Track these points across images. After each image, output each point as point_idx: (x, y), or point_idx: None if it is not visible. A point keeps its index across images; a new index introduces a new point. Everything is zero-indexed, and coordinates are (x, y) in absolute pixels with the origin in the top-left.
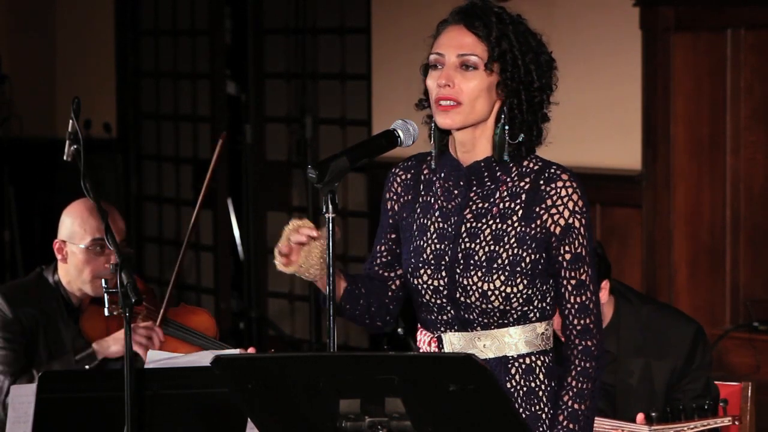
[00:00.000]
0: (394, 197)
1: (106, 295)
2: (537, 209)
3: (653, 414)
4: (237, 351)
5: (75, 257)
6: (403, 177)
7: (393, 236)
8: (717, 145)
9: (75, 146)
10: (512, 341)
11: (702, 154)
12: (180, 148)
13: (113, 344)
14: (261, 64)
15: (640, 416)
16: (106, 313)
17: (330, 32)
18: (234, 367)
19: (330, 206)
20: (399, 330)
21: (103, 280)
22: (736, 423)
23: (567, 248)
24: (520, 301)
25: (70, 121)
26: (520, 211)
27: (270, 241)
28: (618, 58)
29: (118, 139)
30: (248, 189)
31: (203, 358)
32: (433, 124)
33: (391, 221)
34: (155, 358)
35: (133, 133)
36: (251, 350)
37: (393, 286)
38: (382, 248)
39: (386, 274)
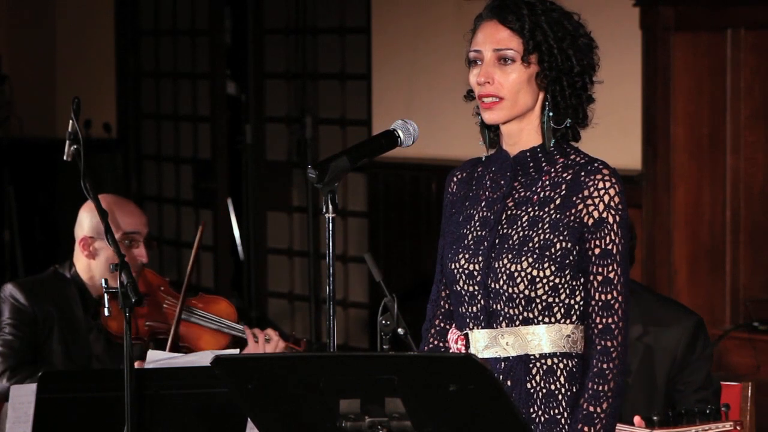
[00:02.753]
0: (450, 197)
1: (106, 295)
2: (574, 198)
3: (654, 418)
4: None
5: (105, 252)
6: (460, 176)
7: None
8: (717, 145)
9: (75, 146)
10: (536, 340)
11: (702, 154)
12: (180, 148)
13: None
14: (261, 64)
15: (637, 419)
16: (106, 313)
17: (330, 32)
18: (234, 367)
19: (330, 206)
20: (399, 330)
21: (103, 280)
22: (738, 428)
23: (597, 242)
24: (546, 288)
25: (70, 121)
26: (558, 200)
27: (270, 241)
28: (618, 58)
29: (118, 139)
30: (248, 189)
31: (203, 358)
32: (480, 118)
33: (447, 224)
34: (155, 358)
35: (133, 133)
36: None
37: None
38: (444, 295)
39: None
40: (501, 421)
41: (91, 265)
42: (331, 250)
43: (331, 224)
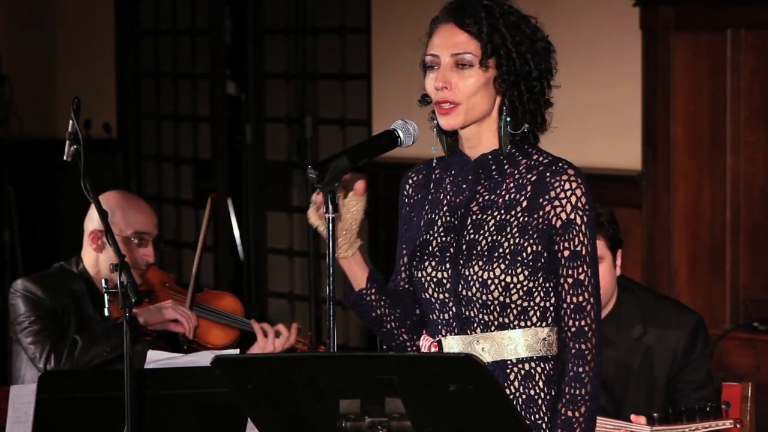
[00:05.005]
0: (406, 200)
1: (106, 295)
2: (540, 200)
3: (655, 414)
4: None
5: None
6: (415, 179)
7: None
8: (717, 145)
9: (75, 146)
10: (512, 345)
11: (702, 154)
12: (180, 148)
13: (155, 313)
14: (261, 64)
15: (634, 416)
16: (106, 313)
17: (330, 32)
18: (234, 367)
19: (330, 206)
20: None
21: (103, 280)
22: (738, 426)
23: (566, 244)
24: (521, 293)
25: (70, 121)
26: (525, 202)
27: (270, 241)
28: (618, 58)
29: (118, 139)
30: (248, 189)
31: (203, 358)
32: (437, 122)
33: (406, 228)
34: (155, 358)
35: (133, 133)
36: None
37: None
38: (405, 260)
39: (410, 288)
40: (501, 421)
41: (99, 258)
42: (331, 250)
43: (331, 224)
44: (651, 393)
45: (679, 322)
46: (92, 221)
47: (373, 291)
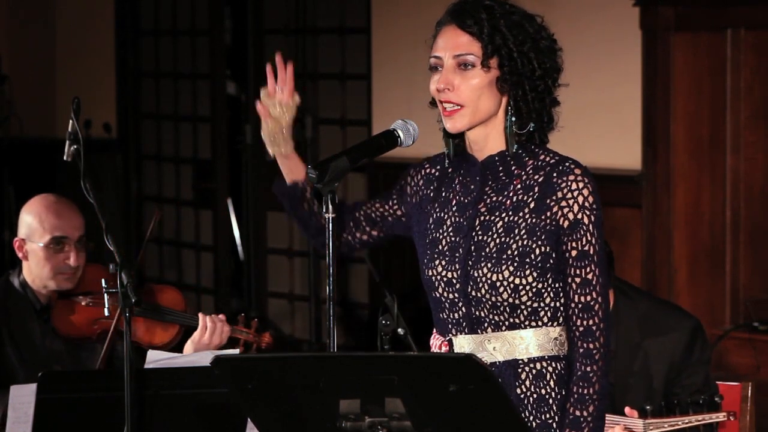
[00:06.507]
0: (415, 187)
1: (106, 295)
2: (548, 201)
3: (648, 407)
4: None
5: (35, 255)
6: (429, 171)
7: (395, 208)
8: (717, 145)
9: (75, 146)
10: (523, 344)
11: (702, 154)
12: (180, 148)
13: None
14: (261, 64)
15: (628, 409)
16: (106, 314)
17: (330, 32)
18: (234, 367)
19: (330, 206)
20: (399, 330)
21: (103, 281)
22: (731, 419)
23: (574, 244)
24: (530, 294)
25: (70, 121)
26: (532, 203)
27: (270, 241)
28: (618, 58)
29: (118, 139)
30: (248, 189)
31: (203, 358)
32: (443, 126)
33: (399, 201)
34: (155, 358)
35: (133, 133)
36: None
37: (357, 232)
38: (377, 205)
39: (363, 222)
40: (501, 421)
41: (29, 266)
42: (331, 250)
43: (331, 224)
44: (649, 397)
45: (677, 327)
46: (19, 230)
47: (309, 188)
